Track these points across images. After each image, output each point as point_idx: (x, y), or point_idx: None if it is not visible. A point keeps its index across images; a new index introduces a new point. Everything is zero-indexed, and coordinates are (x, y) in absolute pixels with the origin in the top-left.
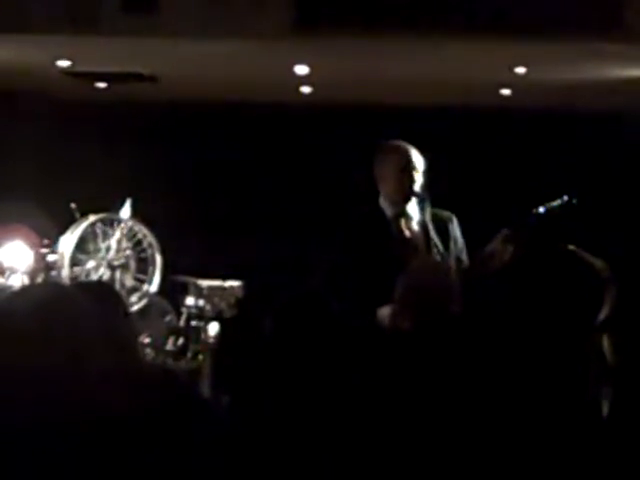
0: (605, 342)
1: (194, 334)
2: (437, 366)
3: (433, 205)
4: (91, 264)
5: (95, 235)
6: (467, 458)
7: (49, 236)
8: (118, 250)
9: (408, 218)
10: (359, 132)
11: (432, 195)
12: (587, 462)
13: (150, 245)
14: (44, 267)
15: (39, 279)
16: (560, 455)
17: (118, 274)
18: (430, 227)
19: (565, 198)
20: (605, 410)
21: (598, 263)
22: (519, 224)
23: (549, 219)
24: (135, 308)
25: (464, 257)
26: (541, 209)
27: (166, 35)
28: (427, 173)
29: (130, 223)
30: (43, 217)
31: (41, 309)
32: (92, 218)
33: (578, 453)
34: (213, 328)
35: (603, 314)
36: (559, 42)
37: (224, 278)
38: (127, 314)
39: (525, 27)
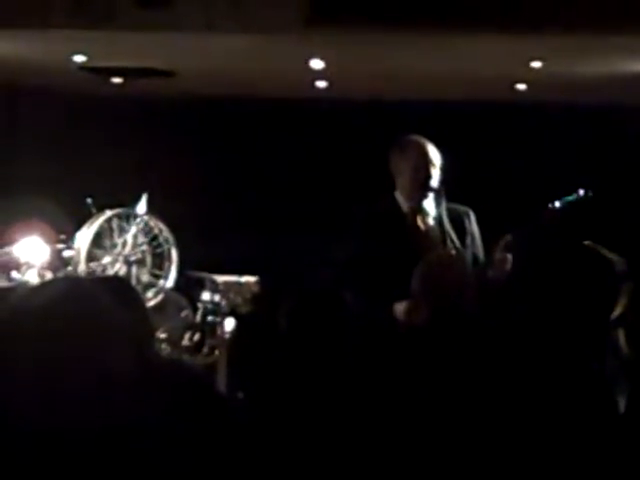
0: (621, 336)
1: (210, 329)
2: (452, 360)
3: (449, 200)
4: (107, 259)
5: (111, 230)
6: (483, 450)
7: (65, 231)
8: (134, 245)
9: (424, 213)
10: (374, 127)
11: (448, 190)
12: (604, 454)
13: (166, 240)
14: (60, 262)
15: (56, 274)
16: (577, 448)
17: (134, 269)
18: (446, 222)
19: (581, 192)
20: (622, 403)
21: (614, 258)
22: (520, 231)
23: (565, 214)
24: (151, 303)
25: (480, 254)
26: (557, 204)
27: (181, 30)
28: (443, 168)
29: (146, 218)
30: (59, 212)
31: (59, 304)
32: (108, 213)
33: (595, 446)
34: (229, 323)
35: (619, 309)
36: (575, 36)
37: (240, 273)
38: (144, 309)
39: (541, 21)
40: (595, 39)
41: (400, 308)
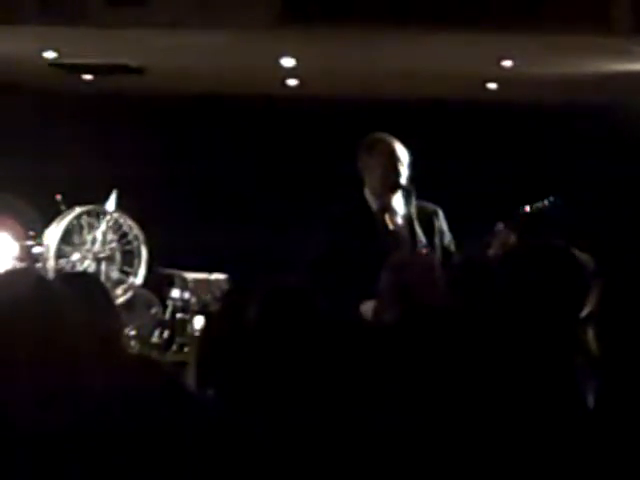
0: (590, 334)
1: (179, 326)
2: (420, 360)
3: (419, 199)
4: (76, 256)
5: (81, 227)
6: (452, 452)
7: (35, 228)
8: (104, 242)
9: (393, 211)
10: (345, 125)
11: (418, 189)
12: (574, 453)
13: (136, 237)
14: (30, 259)
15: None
16: (547, 447)
17: (104, 266)
18: (415, 220)
19: (552, 199)
20: (591, 402)
21: (583, 257)
22: (516, 214)
23: (535, 217)
24: (121, 300)
25: (452, 248)
26: (527, 208)
27: (152, 27)
28: (412, 166)
29: (116, 215)
30: (29, 209)
31: (22, 300)
32: (78, 210)
33: (565, 445)
34: (198, 321)
35: (588, 307)
36: (545, 35)
37: (210, 271)
38: (112, 306)
39: (512, 20)
40: (564, 39)
41: (368, 307)
